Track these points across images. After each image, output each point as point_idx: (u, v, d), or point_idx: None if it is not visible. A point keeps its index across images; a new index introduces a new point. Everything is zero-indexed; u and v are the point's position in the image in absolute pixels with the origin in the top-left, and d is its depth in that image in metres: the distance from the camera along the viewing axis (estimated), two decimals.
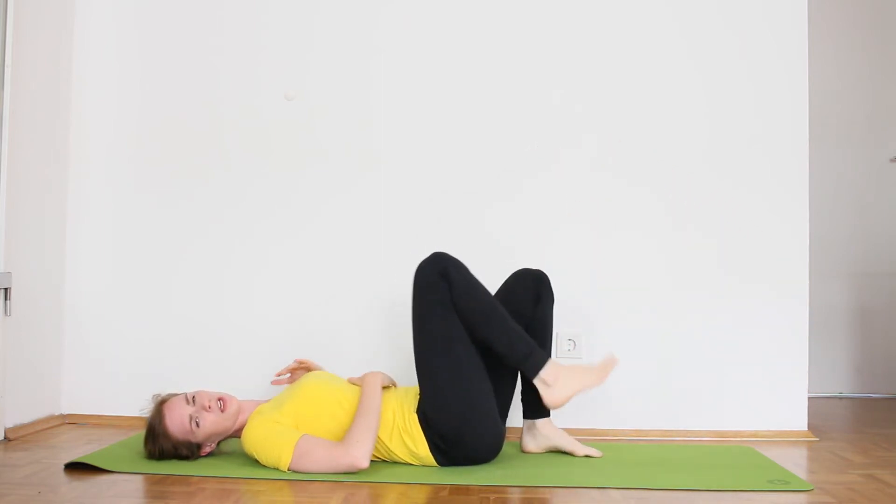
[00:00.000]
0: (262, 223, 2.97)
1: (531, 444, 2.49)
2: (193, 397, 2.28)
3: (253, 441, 2.23)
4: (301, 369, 2.60)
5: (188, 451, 2.27)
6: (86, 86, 3.03)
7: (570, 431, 2.62)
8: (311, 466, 2.15)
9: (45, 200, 2.89)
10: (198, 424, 2.24)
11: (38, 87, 2.84)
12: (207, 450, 2.32)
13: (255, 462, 2.24)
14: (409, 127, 2.96)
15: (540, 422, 2.47)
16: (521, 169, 2.93)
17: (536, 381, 2.27)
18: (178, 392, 2.35)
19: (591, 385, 2.25)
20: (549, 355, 2.31)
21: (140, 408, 2.35)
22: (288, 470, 2.16)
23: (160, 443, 2.25)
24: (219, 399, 2.28)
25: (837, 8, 3.90)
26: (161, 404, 2.28)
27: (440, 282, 2.27)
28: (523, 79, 2.95)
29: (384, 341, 2.90)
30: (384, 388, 2.37)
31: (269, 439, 2.20)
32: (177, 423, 2.24)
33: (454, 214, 2.93)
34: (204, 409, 2.25)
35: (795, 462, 2.45)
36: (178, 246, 2.99)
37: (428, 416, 2.26)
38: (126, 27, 3.04)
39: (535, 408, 2.45)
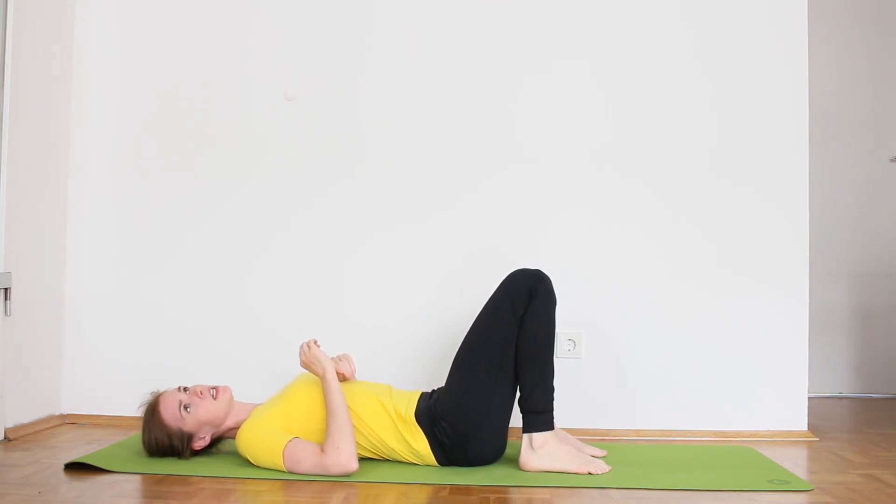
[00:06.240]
0: (258, 223, 2.97)
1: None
2: (186, 388, 2.32)
3: (245, 446, 2.24)
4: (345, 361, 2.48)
5: (180, 441, 2.27)
6: (85, 86, 3.02)
7: (571, 431, 2.63)
8: (302, 473, 2.16)
9: (44, 201, 2.89)
10: (188, 410, 2.26)
11: (38, 87, 2.84)
12: (200, 443, 2.31)
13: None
14: (403, 125, 2.95)
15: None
16: (520, 168, 2.92)
17: (526, 437, 2.29)
18: None
19: (570, 470, 2.24)
20: (553, 389, 2.32)
21: (138, 406, 2.36)
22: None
23: (154, 433, 2.28)
24: (212, 388, 2.31)
25: (837, 8, 3.90)
26: (157, 396, 2.33)
27: (525, 295, 2.29)
28: (526, 79, 2.94)
29: (380, 340, 2.90)
30: (343, 377, 2.39)
31: (260, 446, 2.21)
32: (169, 409, 2.27)
33: (450, 213, 2.93)
34: (196, 395, 2.28)
35: (795, 462, 2.45)
36: (178, 245, 2.98)
37: (442, 411, 2.27)
38: (126, 28, 3.04)
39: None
